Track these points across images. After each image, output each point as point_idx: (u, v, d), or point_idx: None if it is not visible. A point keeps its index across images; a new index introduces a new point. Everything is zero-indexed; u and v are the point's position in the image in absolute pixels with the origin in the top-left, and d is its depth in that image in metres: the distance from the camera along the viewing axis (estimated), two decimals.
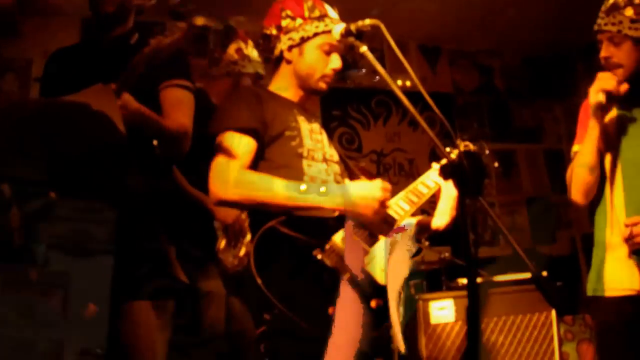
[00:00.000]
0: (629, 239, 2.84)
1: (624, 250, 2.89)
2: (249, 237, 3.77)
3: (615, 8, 2.88)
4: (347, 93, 6.94)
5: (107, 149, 1.67)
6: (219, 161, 2.60)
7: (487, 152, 3.11)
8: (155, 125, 2.74)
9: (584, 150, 2.97)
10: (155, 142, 2.52)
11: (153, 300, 2.69)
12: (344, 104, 7.00)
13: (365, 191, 2.59)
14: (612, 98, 2.86)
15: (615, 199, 2.97)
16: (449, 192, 2.83)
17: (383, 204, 2.61)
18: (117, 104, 2.38)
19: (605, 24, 2.91)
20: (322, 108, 6.62)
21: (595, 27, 2.97)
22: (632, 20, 2.84)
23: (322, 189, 2.61)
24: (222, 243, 3.70)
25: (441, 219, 2.84)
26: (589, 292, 3.05)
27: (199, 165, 3.42)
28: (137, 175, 1.66)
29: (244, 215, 3.74)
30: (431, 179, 2.90)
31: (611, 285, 2.94)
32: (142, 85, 2.55)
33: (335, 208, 2.56)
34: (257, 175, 2.59)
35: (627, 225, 2.85)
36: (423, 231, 2.92)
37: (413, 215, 2.86)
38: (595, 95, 2.86)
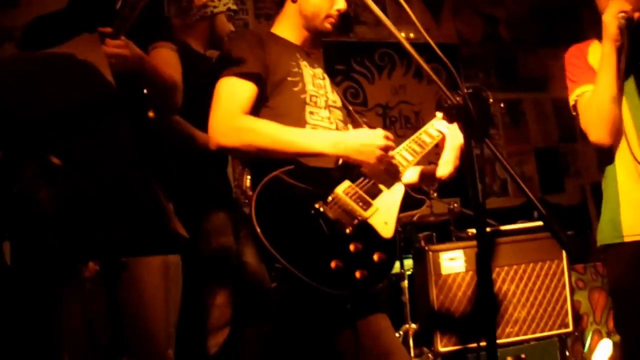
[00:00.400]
0: None
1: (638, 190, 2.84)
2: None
3: None
4: (350, 47, 6.87)
5: (96, 99, 1.62)
6: (220, 107, 2.57)
7: (490, 100, 3.06)
8: (154, 71, 2.70)
9: (603, 81, 2.82)
10: (146, 91, 2.47)
11: (154, 255, 2.67)
12: (347, 58, 6.94)
13: (368, 139, 2.56)
14: (628, 24, 2.74)
15: (630, 140, 2.89)
16: (453, 141, 2.78)
17: (386, 152, 2.59)
18: (104, 52, 2.33)
19: None
20: (326, 62, 6.57)
21: None
22: None
23: (324, 135, 2.60)
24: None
25: (445, 168, 2.79)
26: (604, 240, 2.95)
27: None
28: (128, 127, 1.62)
29: None
30: (435, 127, 2.86)
31: (630, 231, 2.87)
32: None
33: (338, 154, 2.54)
34: (258, 120, 2.55)
35: None
36: (428, 181, 2.89)
37: (417, 164, 2.83)
38: (613, 16, 2.74)
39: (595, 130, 2.89)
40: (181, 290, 3.01)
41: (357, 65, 6.98)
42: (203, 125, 2.75)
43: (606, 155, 2.97)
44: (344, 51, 6.79)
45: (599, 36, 2.90)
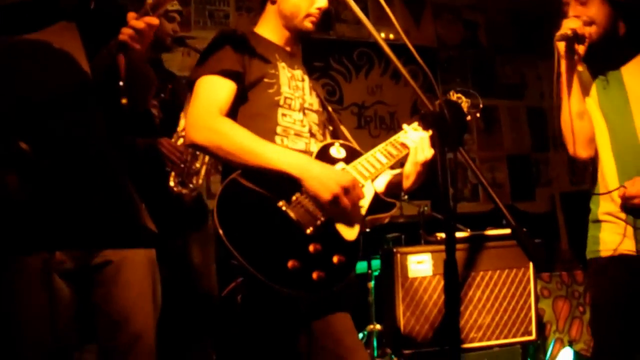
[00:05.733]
0: (626, 200, 2.87)
1: (617, 211, 2.93)
2: (198, 164, 3.74)
3: None
4: (329, 44, 6.89)
5: (71, 88, 1.60)
6: (198, 104, 2.55)
7: (480, 105, 3.08)
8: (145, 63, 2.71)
9: (564, 99, 2.93)
10: (121, 84, 2.45)
11: (122, 248, 2.66)
12: (325, 56, 6.95)
13: (333, 174, 2.51)
14: (579, 39, 2.84)
15: (604, 161, 2.99)
16: (416, 157, 2.69)
17: (346, 194, 2.49)
18: (134, 25, 2.36)
19: None
20: (304, 59, 6.56)
21: None
22: None
23: (294, 156, 2.53)
24: (172, 178, 3.68)
25: (405, 181, 2.76)
26: (587, 255, 3.09)
27: None
28: (102, 118, 1.60)
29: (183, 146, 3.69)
30: (400, 141, 2.80)
31: (606, 247, 2.97)
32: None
33: (298, 177, 2.47)
34: (234, 126, 2.51)
35: (623, 191, 2.87)
36: (395, 191, 2.86)
37: (392, 167, 2.81)
38: (560, 35, 2.84)
39: (569, 145, 3.00)
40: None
41: (336, 63, 6.99)
42: None
43: (593, 174, 3.08)
44: (323, 48, 6.81)
45: None
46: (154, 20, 2.42)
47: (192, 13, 6.30)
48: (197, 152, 3.68)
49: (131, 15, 2.44)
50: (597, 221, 3.03)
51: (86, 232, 1.66)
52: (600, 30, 2.89)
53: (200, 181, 3.74)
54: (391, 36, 5.41)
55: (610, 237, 2.96)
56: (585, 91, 2.98)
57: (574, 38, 2.82)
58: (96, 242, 2.08)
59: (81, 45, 1.73)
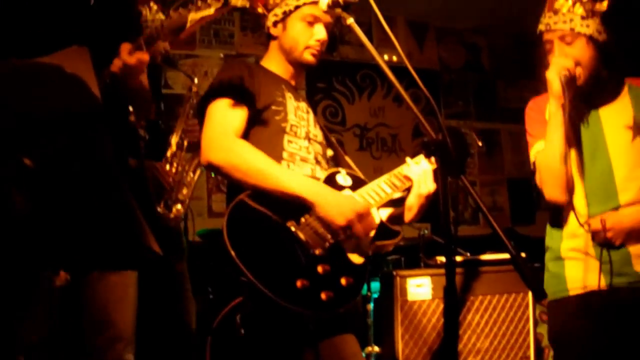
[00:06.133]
0: (599, 232, 2.78)
1: (583, 247, 2.87)
2: (185, 190, 3.76)
3: (564, 6, 2.87)
4: (332, 66, 6.92)
5: (81, 111, 1.62)
6: (214, 125, 2.60)
7: (480, 144, 3.08)
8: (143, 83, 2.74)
9: (551, 140, 2.84)
10: (131, 108, 2.49)
11: (124, 270, 2.68)
12: (329, 77, 6.98)
13: (348, 200, 2.58)
14: (571, 82, 2.78)
15: (575, 199, 2.88)
16: (419, 190, 2.76)
17: (359, 222, 2.55)
18: (126, 60, 2.39)
19: (556, 23, 2.88)
20: (307, 80, 6.60)
21: (542, 27, 2.97)
22: (583, 18, 2.83)
23: (308, 181, 2.60)
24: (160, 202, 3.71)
25: (407, 213, 2.81)
26: (550, 296, 2.97)
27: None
28: (110, 141, 1.62)
29: (169, 168, 3.70)
30: (404, 174, 2.85)
31: (572, 285, 2.89)
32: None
33: (313, 201, 2.51)
34: (249, 148, 2.57)
35: (593, 226, 2.81)
36: (396, 222, 2.88)
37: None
38: (556, 74, 2.78)
39: (549, 188, 2.90)
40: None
41: (339, 84, 7.03)
42: None
43: (556, 212, 3.01)
44: (326, 70, 6.85)
45: None
46: (145, 57, 2.46)
47: (198, 32, 6.33)
48: (189, 180, 3.71)
49: (125, 47, 2.47)
50: (560, 259, 2.95)
51: (92, 254, 1.67)
52: (585, 73, 2.84)
53: (185, 206, 3.76)
54: (394, 58, 5.44)
55: (576, 275, 2.88)
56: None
57: (571, 78, 2.78)
58: (102, 264, 2.09)
59: (92, 69, 1.75)
